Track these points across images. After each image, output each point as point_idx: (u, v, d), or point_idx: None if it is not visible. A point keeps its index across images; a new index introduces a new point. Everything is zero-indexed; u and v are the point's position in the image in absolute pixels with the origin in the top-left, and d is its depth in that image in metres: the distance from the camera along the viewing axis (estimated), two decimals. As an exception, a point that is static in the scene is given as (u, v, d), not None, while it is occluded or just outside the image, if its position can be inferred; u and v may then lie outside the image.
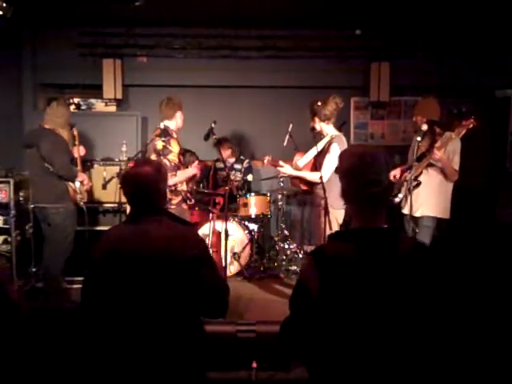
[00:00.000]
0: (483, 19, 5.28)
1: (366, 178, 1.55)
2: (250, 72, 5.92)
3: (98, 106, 6.29)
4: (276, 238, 5.44)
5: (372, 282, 1.49)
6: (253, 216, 5.14)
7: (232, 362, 3.13)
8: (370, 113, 6.32)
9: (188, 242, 1.95)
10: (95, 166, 4.98)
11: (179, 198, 3.95)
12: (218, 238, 4.63)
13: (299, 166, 3.99)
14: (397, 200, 4.00)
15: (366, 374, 1.49)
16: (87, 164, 4.88)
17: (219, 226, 4.57)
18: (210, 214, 4.88)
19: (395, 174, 4.07)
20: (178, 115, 4.03)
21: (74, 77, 5.90)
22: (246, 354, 3.12)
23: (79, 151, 4.31)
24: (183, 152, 4.30)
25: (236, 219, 5.07)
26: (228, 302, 2.06)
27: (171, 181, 3.67)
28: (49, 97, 5.92)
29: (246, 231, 5.06)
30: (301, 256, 5.26)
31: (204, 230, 4.76)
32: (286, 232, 5.43)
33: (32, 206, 4.13)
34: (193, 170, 4.05)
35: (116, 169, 4.85)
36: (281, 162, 3.99)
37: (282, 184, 5.34)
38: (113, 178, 4.50)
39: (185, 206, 4.06)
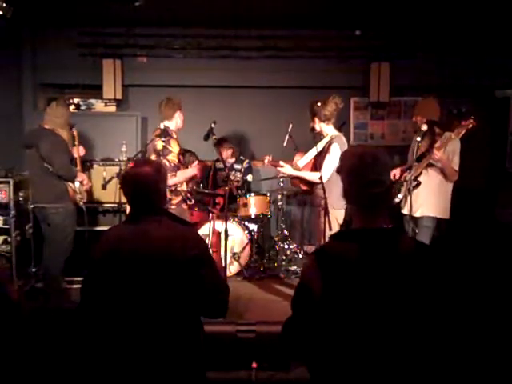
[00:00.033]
0: (483, 19, 5.28)
1: (367, 178, 1.55)
2: (250, 72, 5.92)
3: (98, 106, 6.29)
4: (276, 238, 5.45)
5: (374, 282, 1.50)
6: (253, 216, 5.14)
7: (232, 362, 3.13)
8: (370, 113, 6.32)
9: (188, 242, 1.95)
10: (95, 166, 4.98)
11: (179, 198, 3.95)
12: (217, 238, 4.63)
13: (299, 166, 3.99)
14: (396, 200, 4.00)
15: (368, 374, 1.49)
16: (87, 164, 4.88)
17: (219, 226, 4.57)
18: (210, 214, 4.89)
19: (395, 173, 4.07)
20: (178, 115, 4.03)
21: (74, 77, 5.90)
22: (246, 354, 3.12)
23: (79, 151, 4.31)
24: (183, 152, 4.30)
25: (236, 219, 5.07)
26: (228, 301, 2.06)
27: (171, 181, 3.67)
28: (49, 97, 5.92)
29: (246, 231, 5.06)
30: (301, 256, 5.27)
31: (204, 230, 4.76)
32: (285, 232, 5.43)
33: (32, 206, 4.13)
34: (193, 170, 4.05)
35: (116, 169, 4.85)
36: (281, 162, 3.99)
37: (281, 184, 5.34)
38: (112, 178, 4.49)
39: (185, 206, 4.05)
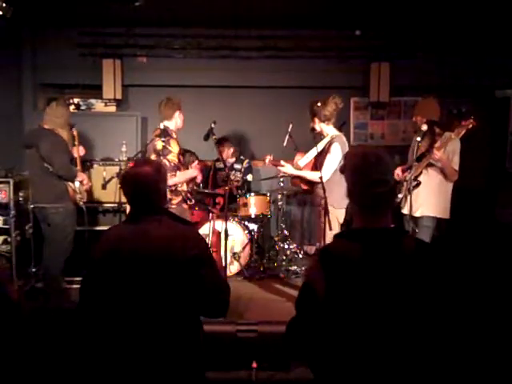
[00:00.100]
0: (483, 19, 5.28)
1: (371, 177, 1.56)
2: (250, 72, 5.92)
3: (98, 106, 6.29)
4: (276, 238, 5.44)
5: (378, 282, 1.50)
6: (253, 216, 5.14)
7: (232, 362, 3.13)
8: (370, 113, 6.32)
9: (188, 242, 1.95)
10: (95, 166, 4.99)
11: (179, 198, 3.95)
12: (217, 238, 4.64)
13: (300, 165, 3.99)
14: (396, 200, 4.00)
15: (372, 374, 1.49)
16: (87, 164, 4.88)
17: (219, 225, 4.57)
18: (210, 214, 4.89)
19: (398, 172, 4.06)
20: (178, 115, 4.03)
21: (74, 77, 5.90)
22: (246, 353, 3.11)
23: (79, 151, 4.31)
24: (183, 152, 4.30)
25: (236, 219, 5.07)
26: (229, 301, 2.06)
27: (171, 181, 3.67)
28: (49, 97, 5.91)
29: (246, 231, 5.06)
30: (301, 256, 5.27)
31: (204, 230, 4.76)
32: (285, 232, 5.43)
33: (32, 206, 4.13)
34: (193, 171, 4.04)
35: (116, 169, 4.85)
36: (282, 162, 4.00)
37: (281, 184, 5.34)
38: (112, 178, 4.49)
39: (185, 206, 4.06)
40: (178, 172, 3.87)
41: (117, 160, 5.03)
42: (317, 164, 3.86)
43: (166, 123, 3.98)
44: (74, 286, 4.24)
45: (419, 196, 3.84)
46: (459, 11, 5.06)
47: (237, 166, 5.75)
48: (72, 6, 5.04)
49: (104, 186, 4.56)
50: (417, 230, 3.86)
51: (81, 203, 4.14)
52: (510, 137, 5.99)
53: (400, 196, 3.99)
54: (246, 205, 5.11)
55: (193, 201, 4.21)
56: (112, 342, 1.94)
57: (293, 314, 1.64)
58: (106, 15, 5.35)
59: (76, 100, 6.24)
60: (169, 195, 3.65)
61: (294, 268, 5.05)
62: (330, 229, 3.48)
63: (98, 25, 5.69)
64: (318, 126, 3.90)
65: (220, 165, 5.60)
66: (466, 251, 4.50)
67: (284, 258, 5.20)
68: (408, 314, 1.50)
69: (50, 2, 4.88)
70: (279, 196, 5.42)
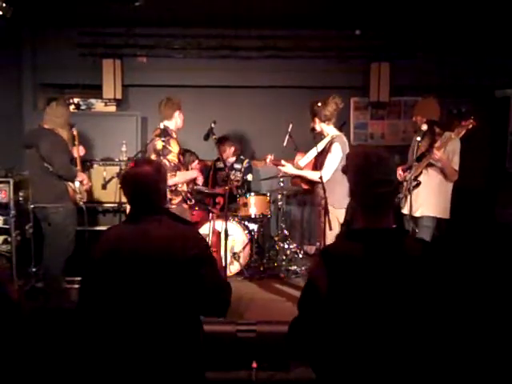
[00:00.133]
0: (483, 19, 5.28)
1: (373, 177, 1.56)
2: (250, 72, 5.91)
3: (98, 106, 6.29)
4: (276, 238, 5.45)
5: (380, 282, 1.50)
6: (253, 216, 5.14)
7: (232, 362, 3.13)
8: (370, 113, 6.31)
9: (188, 242, 1.95)
10: (95, 165, 4.98)
11: (179, 198, 3.95)
12: (217, 238, 4.64)
13: (300, 165, 3.99)
14: (396, 200, 4.00)
15: (374, 373, 1.49)
16: (87, 164, 4.88)
17: (219, 225, 4.57)
18: (210, 214, 4.89)
19: (399, 173, 4.05)
20: (178, 115, 4.03)
21: (74, 77, 5.90)
22: (246, 354, 3.12)
23: (79, 151, 4.32)
24: (183, 152, 4.31)
25: (236, 219, 5.07)
26: (230, 300, 2.07)
27: (171, 181, 3.67)
28: (49, 97, 5.91)
29: (246, 231, 5.06)
30: (301, 256, 5.27)
31: (204, 230, 4.76)
32: (285, 232, 5.43)
33: (32, 205, 4.13)
34: (193, 173, 4.04)
35: (116, 169, 4.85)
36: (283, 161, 4.00)
37: (281, 184, 5.34)
38: (113, 177, 4.49)
39: (185, 206, 4.06)
40: (178, 172, 3.87)
41: (117, 160, 5.03)
42: (317, 164, 3.86)
43: (166, 123, 3.98)
44: (75, 286, 4.23)
45: (419, 196, 3.84)
46: (459, 11, 5.06)
47: (237, 166, 5.74)
48: (72, 6, 5.04)
49: (104, 186, 4.56)
50: (417, 230, 3.86)
51: (81, 203, 4.14)
52: (510, 137, 5.99)
53: (400, 196, 3.99)
54: (246, 205, 5.12)
55: (193, 201, 4.21)
56: (112, 342, 1.94)
57: (293, 313, 1.64)
58: (106, 15, 5.35)
59: (76, 100, 6.25)
60: (169, 195, 3.64)
61: (293, 268, 5.05)
62: (330, 229, 3.48)
63: (97, 25, 5.68)
64: (319, 126, 3.90)
65: (220, 164, 5.60)
66: (466, 251, 4.49)
67: (284, 257, 5.20)
68: (410, 314, 1.50)
69: (50, 2, 4.88)
70: (279, 196, 5.42)
